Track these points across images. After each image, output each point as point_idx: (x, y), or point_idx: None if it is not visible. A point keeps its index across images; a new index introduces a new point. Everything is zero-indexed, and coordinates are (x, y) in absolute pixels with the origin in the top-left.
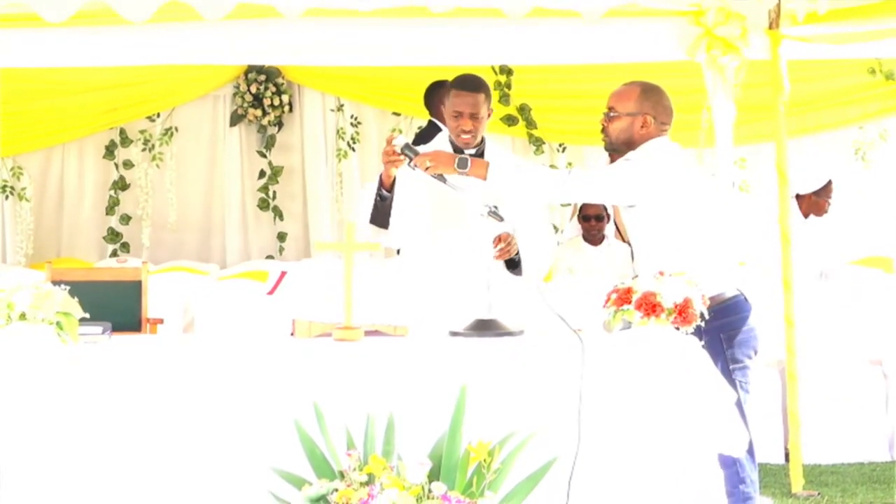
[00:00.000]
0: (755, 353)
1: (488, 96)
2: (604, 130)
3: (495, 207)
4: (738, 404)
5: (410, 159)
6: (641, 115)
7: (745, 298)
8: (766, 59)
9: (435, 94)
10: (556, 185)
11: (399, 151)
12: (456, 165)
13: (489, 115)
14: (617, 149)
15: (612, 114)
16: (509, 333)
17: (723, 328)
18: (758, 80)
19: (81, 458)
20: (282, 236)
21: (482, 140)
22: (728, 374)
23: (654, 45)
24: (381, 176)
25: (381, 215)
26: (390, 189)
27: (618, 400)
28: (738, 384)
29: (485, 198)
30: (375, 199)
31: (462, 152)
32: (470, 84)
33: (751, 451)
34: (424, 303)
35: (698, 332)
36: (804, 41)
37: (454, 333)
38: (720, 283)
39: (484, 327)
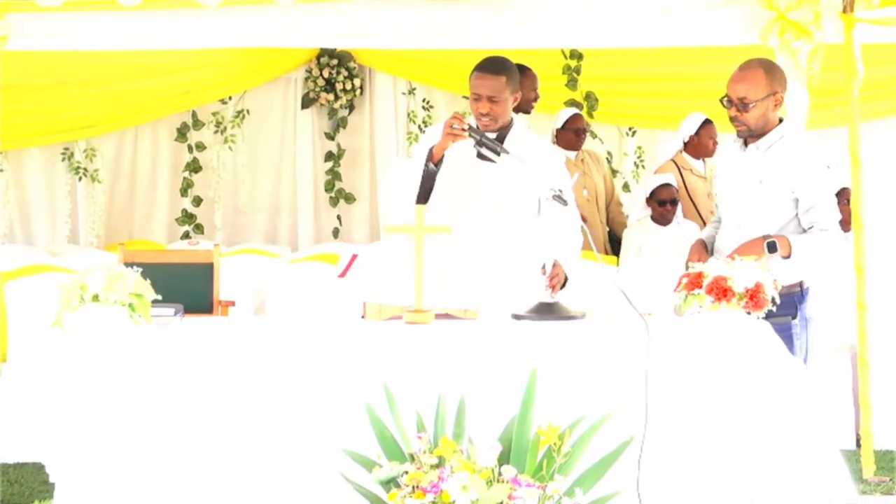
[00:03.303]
0: None
1: (511, 80)
2: (736, 120)
3: (560, 191)
4: None
5: (478, 140)
6: (773, 96)
7: None
8: (839, 42)
9: None
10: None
11: (466, 129)
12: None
13: (516, 100)
14: (755, 134)
15: (750, 105)
16: (572, 317)
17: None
18: (831, 63)
19: (152, 438)
20: (339, 219)
21: (510, 123)
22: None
23: (727, 29)
24: (431, 149)
25: (422, 190)
26: (438, 164)
27: (687, 384)
28: None
29: (550, 182)
30: (423, 172)
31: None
32: (491, 66)
33: None
34: (484, 285)
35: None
36: (878, 24)
37: (517, 316)
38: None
39: (547, 311)
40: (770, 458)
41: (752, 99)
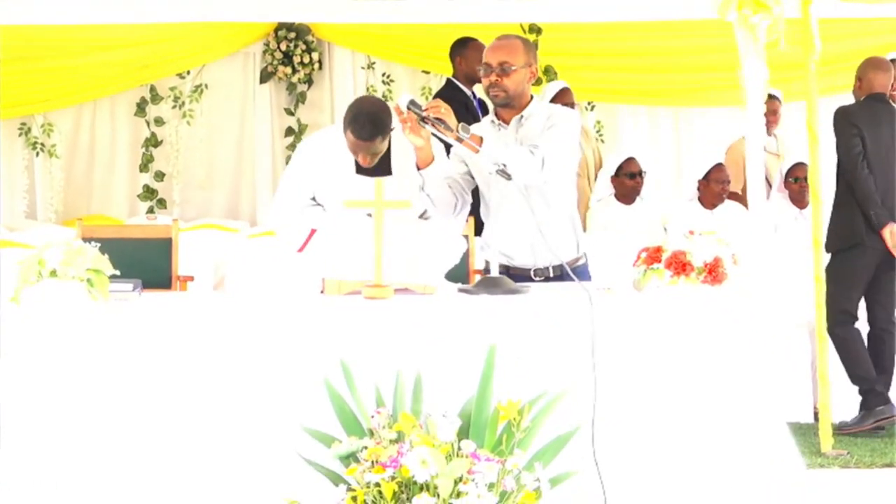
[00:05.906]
0: None
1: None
2: (496, 86)
3: (504, 165)
4: None
5: (421, 117)
6: (529, 67)
7: None
8: (796, 17)
9: (456, 52)
10: (535, 170)
11: (405, 110)
12: (459, 129)
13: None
14: (511, 103)
15: (511, 67)
16: (517, 291)
17: None
18: (788, 38)
19: (110, 414)
20: None
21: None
22: None
23: (685, 4)
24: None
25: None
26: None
27: (644, 359)
28: None
29: (495, 156)
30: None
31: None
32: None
33: None
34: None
35: None
36: None
37: (462, 290)
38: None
39: (492, 284)
40: (722, 432)
41: (512, 63)
